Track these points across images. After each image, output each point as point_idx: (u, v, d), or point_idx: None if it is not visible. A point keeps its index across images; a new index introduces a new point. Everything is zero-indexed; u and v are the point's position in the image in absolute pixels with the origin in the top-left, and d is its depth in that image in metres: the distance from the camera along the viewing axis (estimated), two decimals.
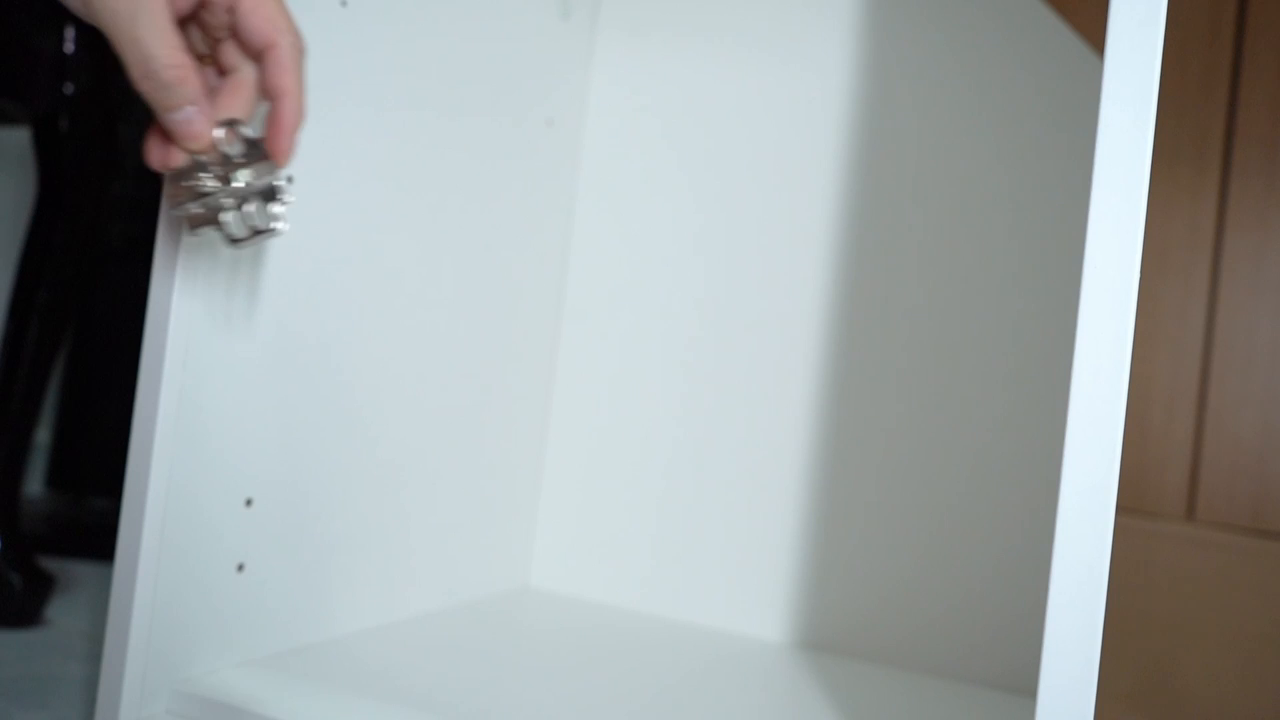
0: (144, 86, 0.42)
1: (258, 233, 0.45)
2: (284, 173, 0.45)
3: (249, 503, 0.54)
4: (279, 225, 0.45)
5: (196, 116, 0.43)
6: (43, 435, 1.07)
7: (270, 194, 0.45)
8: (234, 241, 0.45)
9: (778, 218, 0.75)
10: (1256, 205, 0.79)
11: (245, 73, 0.45)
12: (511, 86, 0.72)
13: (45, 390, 0.77)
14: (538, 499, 0.81)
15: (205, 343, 0.51)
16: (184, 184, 0.45)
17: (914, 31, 0.72)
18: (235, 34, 0.44)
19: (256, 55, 0.45)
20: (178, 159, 0.44)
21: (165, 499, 0.49)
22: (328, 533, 0.60)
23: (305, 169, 0.55)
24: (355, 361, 0.61)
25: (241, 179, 0.44)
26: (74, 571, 0.88)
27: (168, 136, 0.44)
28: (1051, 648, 0.37)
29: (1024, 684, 0.67)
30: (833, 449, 0.73)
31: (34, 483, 1.07)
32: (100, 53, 0.87)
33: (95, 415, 1.03)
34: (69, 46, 0.82)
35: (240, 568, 0.54)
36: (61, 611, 0.77)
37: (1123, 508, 0.80)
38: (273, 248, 0.54)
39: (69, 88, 0.81)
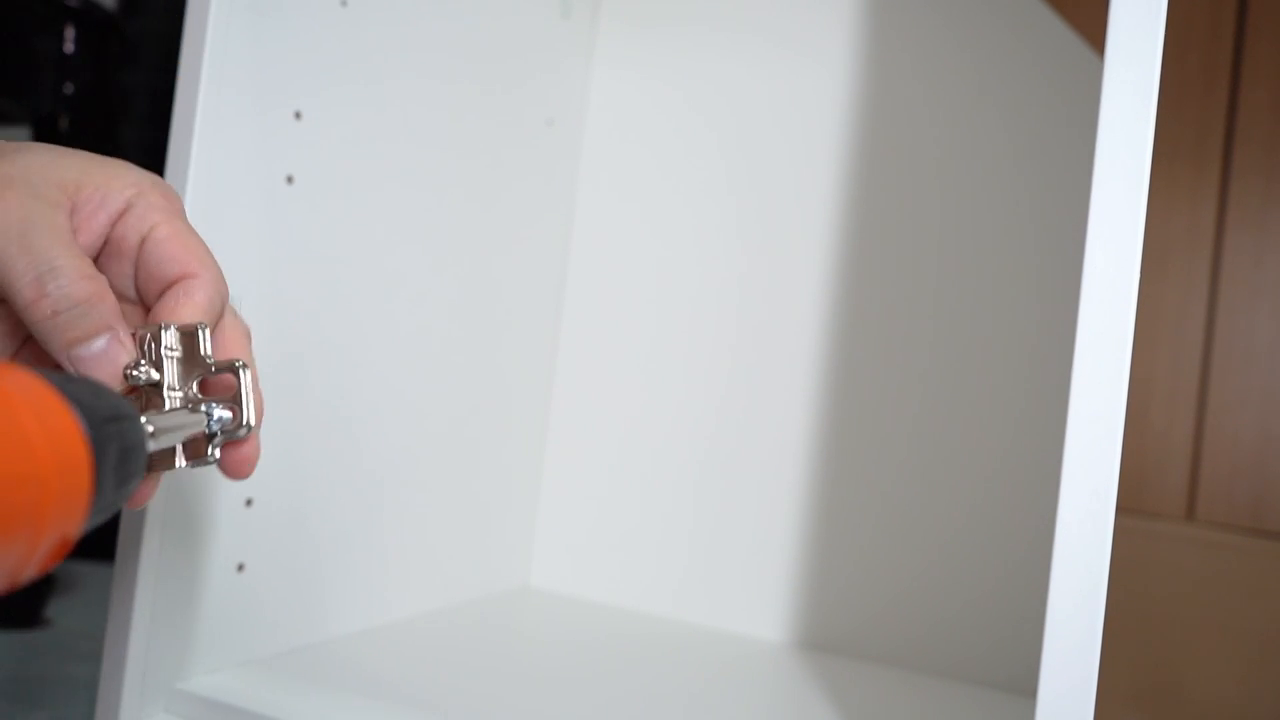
0: (42, 309, 0.31)
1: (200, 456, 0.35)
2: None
3: (249, 503, 0.54)
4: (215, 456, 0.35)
5: (113, 344, 0.33)
6: None
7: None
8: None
9: (781, 216, 0.75)
10: (1256, 205, 0.79)
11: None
12: (512, 86, 0.72)
13: None
14: (538, 499, 0.81)
15: None
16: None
17: (919, 27, 0.72)
18: (139, 273, 0.35)
19: (157, 293, 0.35)
20: None
21: (165, 499, 0.49)
22: (328, 533, 0.60)
23: (304, 171, 0.55)
24: (354, 361, 0.61)
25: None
26: (74, 571, 0.88)
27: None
28: (1051, 648, 0.37)
29: (1024, 684, 0.67)
30: (833, 448, 0.72)
31: None
32: (100, 53, 0.87)
33: None
34: (69, 46, 0.82)
35: (240, 568, 0.54)
36: (61, 611, 0.77)
37: (1123, 508, 0.80)
38: (271, 246, 0.54)
39: (69, 88, 0.81)
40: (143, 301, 0.36)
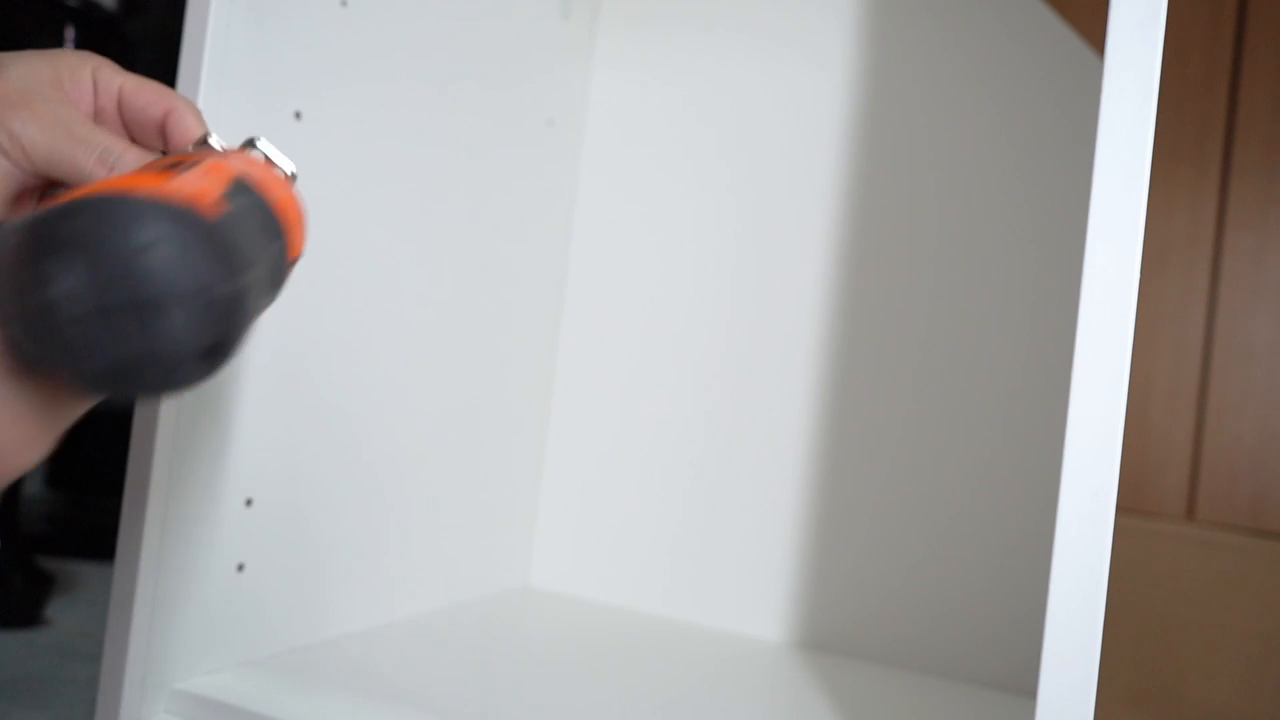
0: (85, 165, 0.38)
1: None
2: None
3: (249, 503, 0.54)
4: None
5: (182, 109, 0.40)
6: None
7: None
8: None
9: (780, 216, 0.75)
10: (1256, 205, 0.79)
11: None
12: (511, 86, 0.72)
13: None
14: (537, 499, 0.81)
15: None
16: None
17: (919, 27, 0.72)
18: (128, 126, 0.42)
19: (155, 133, 0.41)
20: None
21: (165, 499, 0.49)
22: (328, 533, 0.60)
23: (304, 170, 0.55)
24: (355, 361, 0.61)
25: None
26: (74, 571, 0.88)
27: None
28: (1052, 648, 0.37)
29: (1024, 684, 0.67)
30: (833, 447, 0.72)
31: (34, 483, 1.07)
32: (100, 53, 0.86)
33: (95, 415, 1.03)
34: (69, 47, 0.82)
35: (240, 568, 0.54)
36: (61, 611, 0.77)
37: (1123, 508, 0.80)
38: None
39: None
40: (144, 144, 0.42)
